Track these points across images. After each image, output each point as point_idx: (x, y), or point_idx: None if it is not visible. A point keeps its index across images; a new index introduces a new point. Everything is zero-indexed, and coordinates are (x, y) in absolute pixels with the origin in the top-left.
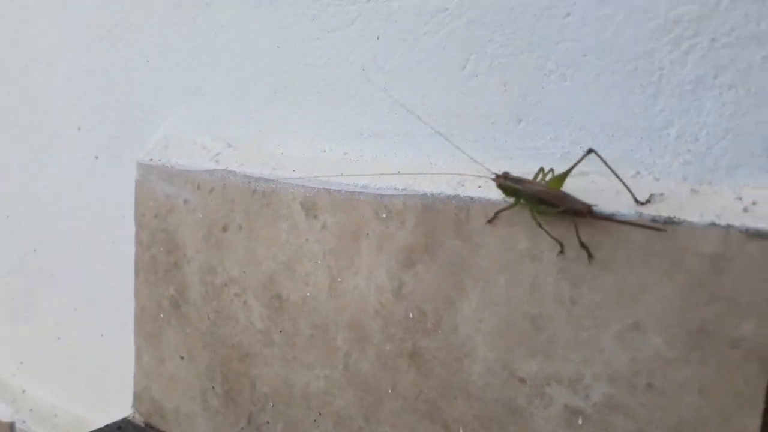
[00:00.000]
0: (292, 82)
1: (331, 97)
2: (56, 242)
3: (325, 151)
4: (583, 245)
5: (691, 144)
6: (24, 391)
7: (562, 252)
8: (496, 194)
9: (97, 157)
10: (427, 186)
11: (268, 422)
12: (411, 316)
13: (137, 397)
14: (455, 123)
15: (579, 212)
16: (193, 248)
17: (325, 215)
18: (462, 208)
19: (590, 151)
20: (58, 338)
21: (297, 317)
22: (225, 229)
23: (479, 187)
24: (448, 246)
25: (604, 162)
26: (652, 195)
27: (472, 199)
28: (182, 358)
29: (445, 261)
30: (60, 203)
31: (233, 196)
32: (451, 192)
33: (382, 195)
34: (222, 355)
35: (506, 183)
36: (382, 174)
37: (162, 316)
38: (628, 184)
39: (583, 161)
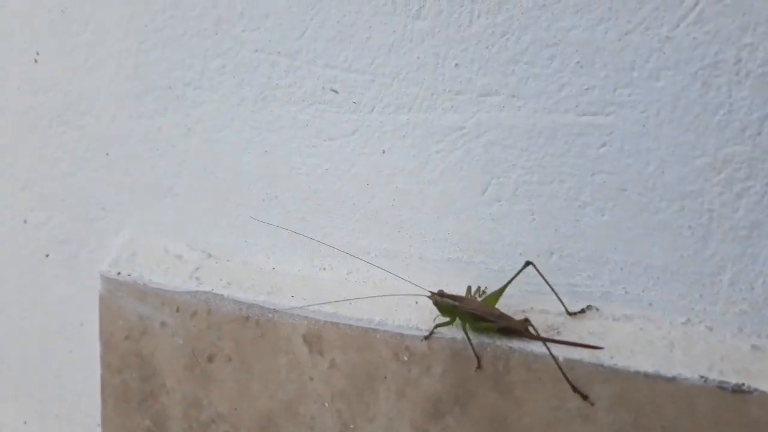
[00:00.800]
0: (283, 192)
1: (330, 211)
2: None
3: (324, 269)
4: (576, 390)
5: (747, 293)
6: None
7: (479, 367)
8: (537, 346)
9: (47, 255)
10: (455, 329)
11: None
12: None
13: None
14: (476, 250)
15: (515, 330)
16: (173, 377)
17: (333, 352)
18: (499, 357)
19: (528, 263)
20: None
21: None
22: (211, 359)
23: None
24: (484, 399)
25: (541, 275)
26: (588, 306)
27: (511, 348)
28: None
29: (481, 415)
30: (4, 306)
31: (220, 322)
32: (487, 339)
33: (403, 334)
34: None
35: (443, 301)
36: (397, 300)
37: None
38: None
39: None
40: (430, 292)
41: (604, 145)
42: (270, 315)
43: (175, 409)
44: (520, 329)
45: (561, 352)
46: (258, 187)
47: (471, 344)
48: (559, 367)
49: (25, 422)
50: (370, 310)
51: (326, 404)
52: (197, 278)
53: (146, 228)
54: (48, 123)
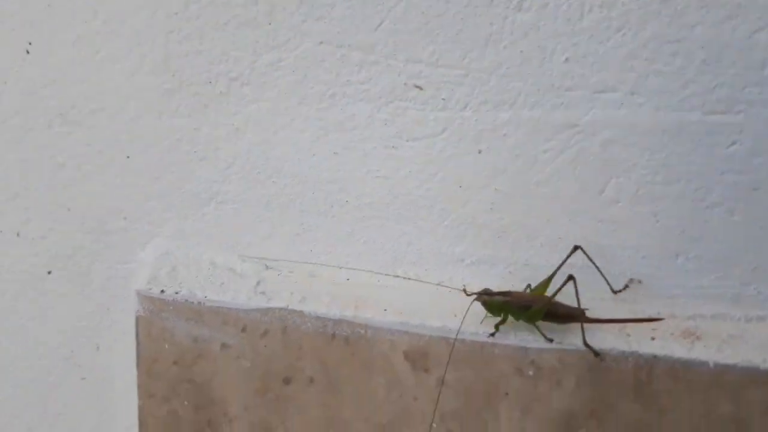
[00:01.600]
0: (357, 196)
1: (415, 216)
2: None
3: (410, 279)
4: (587, 345)
5: None
6: None
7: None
8: (682, 350)
9: (50, 273)
10: (589, 339)
11: None
12: None
13: None
14: (593, 254)
15: (572, 317)
16: (238, 404)
17: (441, 369)
18: (642, 367)
19: (576, 248)
20: None
21: None
22: (288, 381)
23: (653, 339)
24: (624, 411)
25: (589, 258)
26: (630, 280)
27: (655, 357)
28: None
29: (620, 428)
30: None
31: (300, 341)
32: (626, 347)
33: (527, 348)
34: None
35: (491, 299)
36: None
37: None
38: None
39: None
40: (476, 293)
41: (733, 143)
42: (362, 331)
43: None
44: (575, 314)
45: (711, 356)
46: (326, 192)
47: (541, 332)
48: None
49: None
50: (484, 322)
51: (435, 425)
52: (262, 293)
53: (184, 240)
54: (46, 123)
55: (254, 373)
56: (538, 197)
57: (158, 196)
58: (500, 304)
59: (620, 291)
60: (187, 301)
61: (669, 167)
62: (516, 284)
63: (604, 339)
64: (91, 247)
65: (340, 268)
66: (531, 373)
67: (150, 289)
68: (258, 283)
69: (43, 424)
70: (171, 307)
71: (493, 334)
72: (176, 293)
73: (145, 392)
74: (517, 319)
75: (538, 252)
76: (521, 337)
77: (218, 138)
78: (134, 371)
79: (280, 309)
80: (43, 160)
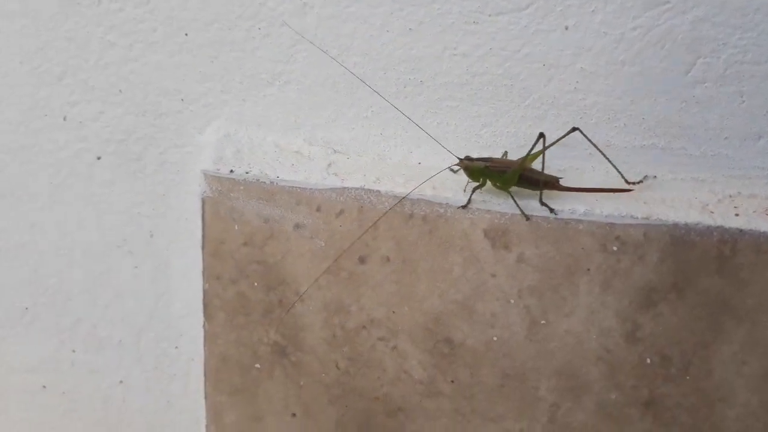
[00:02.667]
0: (432, 76)
1: (492, 97)
2: (59, 269)
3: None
4: (543, 204)
5: None
6: None
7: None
8: (766, 225)
9: (99, 158)
10: (674, 214)
11: None
12: (648, 361)
13: None
14: (674, 135)
15: (547, 184)
16: (311, 283)
17: (522, 246)
18: (726, 241)
19: (574, 129)
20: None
21: (477, 365)
22: (363, 260)
23: (736, 215)
24: (705, 284)
25: (591, 142)
26: (645, 176)
27: (741, 231)
28: (294, 415)
29: (699, 301)
30: (42, 222)
31: (375, 220)
32: (711, 222)
33: (613, 224)
34: (359, 409)
35: (472, 164)
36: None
37: (258, 366)
38: None
39: None
40: (458, 158)
41: None
42: (441, 210)
43: (313, 317)
44: (552, 182)
45: None
46: (398, 72)
47: (516, 202)
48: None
49: (73, 350)
50: (571, 200)
51: (511, 301)
52: (335, 174)
53: (244, 122)
54: None
55: (328, 252)
56: (623, 77)
57: (217, 77)
58: (480, 170)
59: (636, 183)
60: (258, 181)
61: (760, 47)
62: (595, 165)
63: (688, 215)
64: (144, 130)
65: (411, 152)
66: (615, 248)
67: (218, 169)
68: (329, 164)
69: (95, 312)
70: (242, 188)
71: (466, 205)
72: (246, 173)
73: (210, 275)
74: (494, 183)
75: (620, 133)
76: (608, 212)
77: (284, 13)
78: (194, 256)
79: (356, 189)
80: (91, 38)
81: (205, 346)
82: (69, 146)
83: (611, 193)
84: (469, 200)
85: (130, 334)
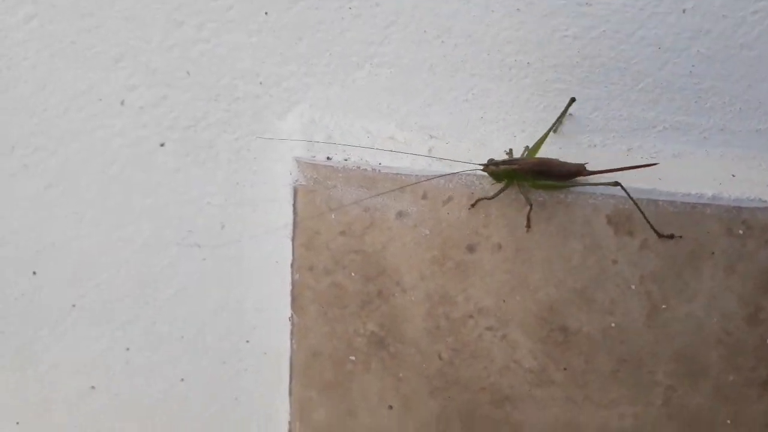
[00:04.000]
0: (540, 58)
1: (604, 80)
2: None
3: (595, 146)
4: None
5: None
6: None
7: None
8: None
9: (162, 145)
10: None
11: None
12: None
13: None
14: None
15: (574, 173)
16: (414, 273)
17: (647, 232)
18: None
19: (573, 100)
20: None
21: (592, 352)
22: (472, 249)
23: None
24: None
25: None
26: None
27: None
28: (390, 407)
29: None
30: (102, 215)
31: (487, 208)
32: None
33: (741, 207)
34: (463, 401)
35: (501, 169)
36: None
37: (353, 359)
38: None
39: None
40: (482, 165)
41: None
42: (561, 196)
43: (415, 308)
44: (579, 170)
45: None
46: (504, 54)
47: (529, 202)
48: (641, 212)
49: (127, 349)
50: (698, 183)
51: (633, 287)
52: (440, 160)
53: (331, 107)
54: None
55: (434, 241)
56: (742, 61)
57: (300, 60)
58: (508, 172)
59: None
60: (359, 168)
61: None
62: (710, 150)
63: None
64: (216, 116)
65: (515, 136)
66: (741, 231)
67: (314, 156)
68: (429, 150)
69: (153, 308)
70: (340, 175)
71: (475, 204)
72: (345, 160)
73: (302, 265)
74: (523, 183)
75: (735, 117)
76: (735, 196)
77: None
78: (271, 246)
79: (467, 174)
80: (155, 18)
81: (293, 340)
82: (126, 133)
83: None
84: (496, 195)
85: (193, 330)
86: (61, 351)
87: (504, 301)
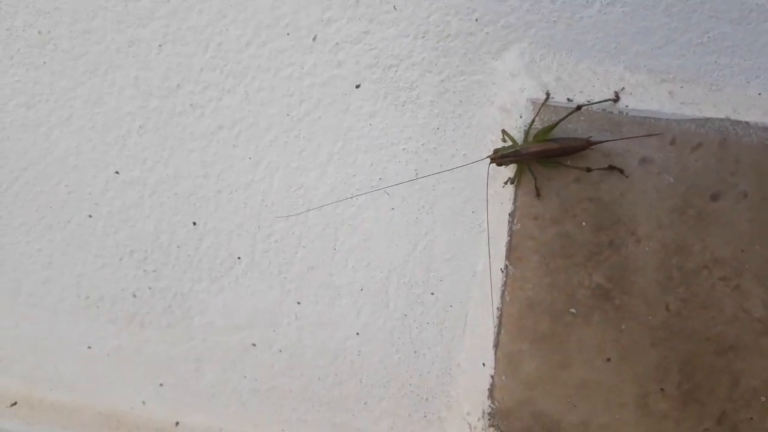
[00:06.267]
0: None
1: None
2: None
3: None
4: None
5: None
6: None
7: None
8: None
9: (358, 86)
10: None
11: (752, 418)
12: None
13: (504, 415)
14: None
15: (580, 148)
16: (651, 223)
17: None
18: None
19: (579, 107)
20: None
21: None
22: (716, 197)
23: None
24: None
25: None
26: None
27: None
28: (608, 360)
29: None
30: (282, 154)
31: (738, 155)
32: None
33: None
34: (685, 351)
35: (504, 158)
36: None
37: (573, 311)
38: None
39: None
40: (489, 157)
41: None
42: None
43: (648, 259)
44: (584, 145)
45: None
46: None
47: (536, 181)
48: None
49: (298, 302)
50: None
51: None
52: (692, 103)
53: (554, 47)
54: None
55: (676, 189)
56: None
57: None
58: (514, 161)
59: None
60: (605, 110)
61: None
62: None
63: None
64: (422, 54)
65: (748, 82)
66: None
67: (553, 98)
68: (670, 93)
69: (331, 258)
70: (582, 118)
71: (505, 185)
72: (588, 102)
73: (525, 214)
74: (532, 168)
75: None
76: None
77: None
78: (469, 194)
79: (720, 120)
80: None
81: (505, 291)
82: (318, 72)
83: None
84: (514, 180)
85: (374, 281)
86: (221, 307)
87: (742, 251)
